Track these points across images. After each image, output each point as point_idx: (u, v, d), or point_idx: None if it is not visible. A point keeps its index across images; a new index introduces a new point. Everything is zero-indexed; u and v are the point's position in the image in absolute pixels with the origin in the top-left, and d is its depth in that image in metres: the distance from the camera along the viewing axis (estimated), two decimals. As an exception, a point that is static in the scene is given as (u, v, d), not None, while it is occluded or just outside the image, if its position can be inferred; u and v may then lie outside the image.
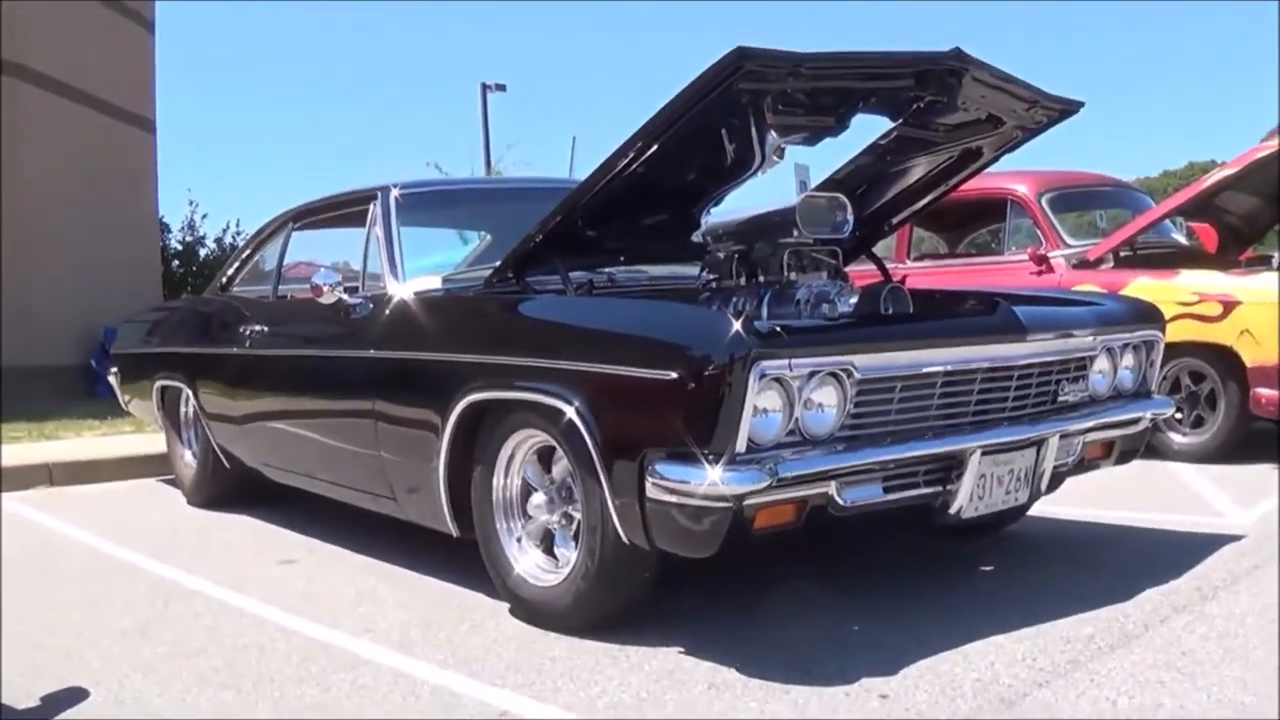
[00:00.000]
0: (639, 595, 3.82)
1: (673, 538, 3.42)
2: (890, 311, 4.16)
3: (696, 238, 4.57)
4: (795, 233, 4.15)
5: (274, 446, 5.63)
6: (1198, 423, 6.53)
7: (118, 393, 7.58)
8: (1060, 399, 4.10)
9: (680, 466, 3.28)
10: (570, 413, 3.60)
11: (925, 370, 3.63)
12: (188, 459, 6.65)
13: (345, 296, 4.82)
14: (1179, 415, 6.50)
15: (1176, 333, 6.31)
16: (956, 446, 3.69)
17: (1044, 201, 7.50)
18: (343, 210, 5.55)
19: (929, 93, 4.07)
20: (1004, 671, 3.29)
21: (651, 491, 3.35)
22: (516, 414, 3.93)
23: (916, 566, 4.45)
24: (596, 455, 3.52)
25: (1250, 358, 6.13)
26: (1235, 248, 7.64)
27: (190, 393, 6.29)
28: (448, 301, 4.50)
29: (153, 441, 7.65)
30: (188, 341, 6.38)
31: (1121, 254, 7.06)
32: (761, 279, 4.36)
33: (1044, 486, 4.05)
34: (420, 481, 4.38)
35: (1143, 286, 6.58)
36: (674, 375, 3.29)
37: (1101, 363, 4.27)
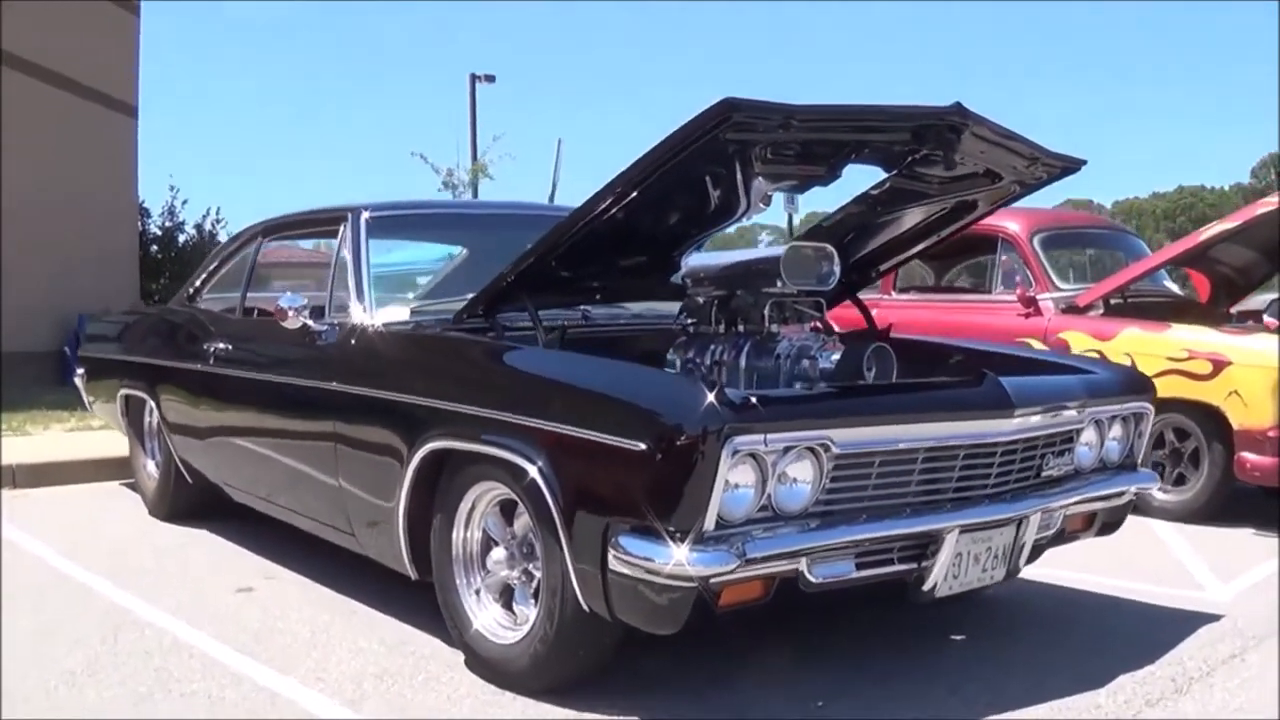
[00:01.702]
0: (599, 662, 3.69)
1: (634, 612, 3.30)
2: (873, 371, 4.04)
3: (676, 279, 4.47)
4: (779, 282, 4.03)
5: (235, 467, 5.51)
6: (1179, 480, 6.42)
7: (83, 394, 7.44)
8: (1044, 473, 3.99)
9: (645, 542, 3.16)
10: (533, 472, 3.48)
11: (906, 446, 3.51)
12: (150, 469, 6.52)
13: (310, 322, 4.69)
14: (1161, 466, 6.41)
15: (1164, 388, 6.18)
16: (934, 526, 3.57)
17: (1035, 242, 7.39)
18: (313, 228, 5.43)
19: (926, 147, 3.95)
20: (970, 767, 3.18)
21: (614, 564, 3.23)
22: (479, 465, 3.81)
23: (886, 632, 4.31)
24: (559, 518, 3.40)
25: (1238, 420, 6.02)
26: (1228, 299, 7.54)
27: (154, 404, 6.15)
28: (414, 340, 4.36)
29: (118, 441, 7.47)
30: (153, 352, 6.23)
31: (1112, 301, 6.95)
32: (741, 328, 4.25)
33: (1022, 563, 3.94)
34: (379, 517, 4.26)
35: (1132, 338, 6.50)
36: (643, 447, 3.17)
37: (1089, 434, 4.16)
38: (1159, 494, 6.40)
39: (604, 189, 3.80)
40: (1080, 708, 3.59)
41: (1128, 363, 6.36)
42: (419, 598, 4.29)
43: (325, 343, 4.65)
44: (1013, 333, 7.10)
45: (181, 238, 17.41)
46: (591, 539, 3.30)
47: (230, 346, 5.41)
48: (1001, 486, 3.80)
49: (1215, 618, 4.50)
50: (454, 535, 3.93)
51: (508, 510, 3.83)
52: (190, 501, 6.17)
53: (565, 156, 22.52)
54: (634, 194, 3.77)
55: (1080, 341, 6.71)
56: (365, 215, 4.90)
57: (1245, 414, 5.98)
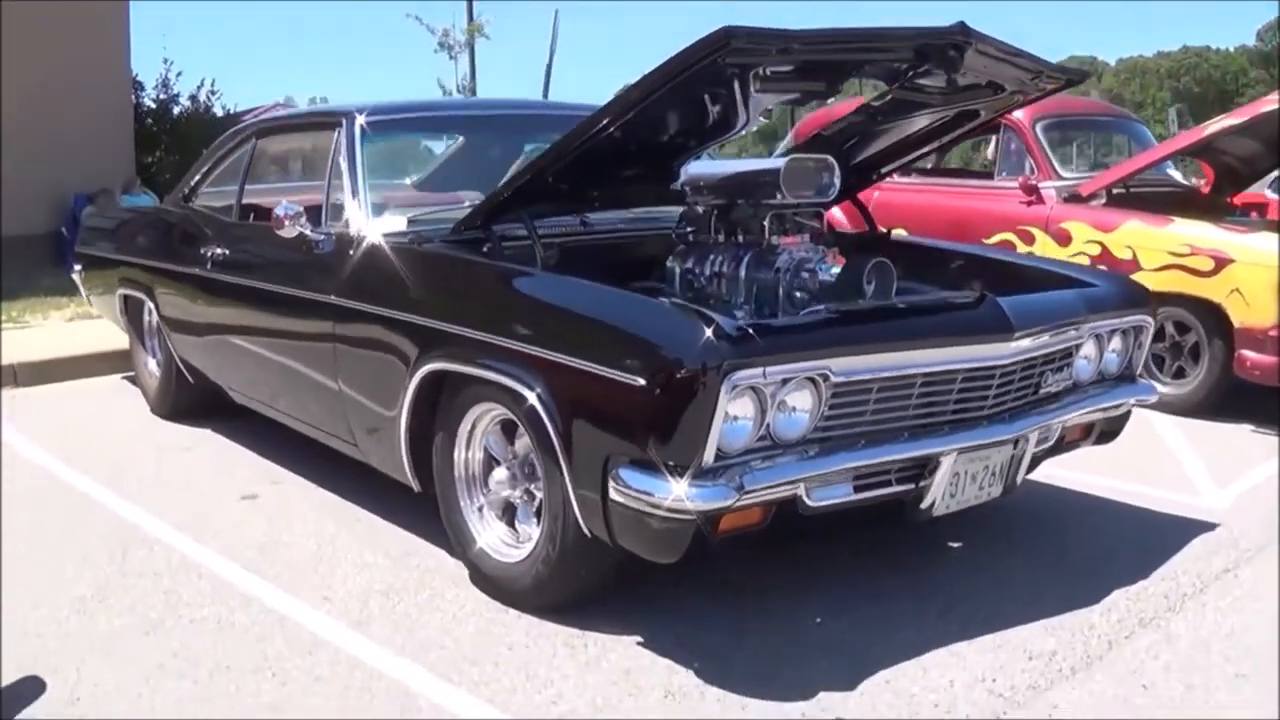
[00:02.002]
0: (601, 583, 3.75)
1: (635, 540, 3.34)
2: (872, 285, 4.00)
3: (676, 187, 4.42)
4: (779, 194, 3.99)
5: (236, 372, 5.54)
6: (1179, 373, 6.43)
7: (81, 290, 7.43)
8: (1042, 390, 3.99)
9: (644, 476, 3.18)
10: (531, 398, 3.50)
11: (904, 373, 3.51)
12: (151, 368, 6.53)
13: (308, 231, 4.64)
14: (1161, 359, 6.43)
15: (1165, 283, 6.23)
16: (932, 450, 3.59)
17: (1039, 129, 7.28)
18: (308, 131, 5.35)
19: (929, 65, 3.89)
20: (962, 695, 3.24)
21: (614, 495, 3.26)
22: (478, 387, 3.81)
23: (885, 544, 4.31)
24: (558, 444, 3.43)
25: (1239, 318, 6.00)
26: (1231, 188, 7.45)
27: (152, 305, 6.15)
28: (413, 257, 4.30)
29: (119, 332, 7.43)
30: (150, 254, 6.19)
31: (1114, 191, 6.89)
32: (741, 238, 4.21)
33: (1019, 479, 3.97)
34: (380, 425, 4.29)
35: (1134, 231, 6.45)
36: (641, 381, 3.17)
37: (1088, 348, 4.16)
38: (1159, 386, 6.40)
39: (599, 112, 3.78)
40: (1073, 627, 3.65)
41: (1129, 256, 6.37)
42: (421, 503, 4.31)
43: (322, 252, 4.61)
44: (1014, 220, 7.07)
45: (176, 110, 17.12)
46: (592, 467, 3.33)
47: (227, 251, 5.38)
48: (999, 406, 3.80)
49: (1211, 527, 4.54)
50: (455, 455, 3.96)
51: (509, 429, 3.84)
52: (192, 400, 6.19)
53: (563, 27, 22.08)
54: (630, 115, 3.73)
55: (1082, 232, 6.67)
56: (360, 120, 4.82)
57: (1246, 312, 5.96)
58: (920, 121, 4.50)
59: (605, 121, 3.77)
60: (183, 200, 6.19)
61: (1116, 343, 4.28)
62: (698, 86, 3.72)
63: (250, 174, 5.76)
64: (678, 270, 4.32)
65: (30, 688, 3.35)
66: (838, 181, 4.09)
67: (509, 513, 3.92)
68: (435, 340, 3.91)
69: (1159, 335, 6.41)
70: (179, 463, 5.61)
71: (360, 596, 3.97)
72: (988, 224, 7.08)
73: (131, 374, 7.04)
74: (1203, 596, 3.89)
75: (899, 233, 4.98)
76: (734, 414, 3.17)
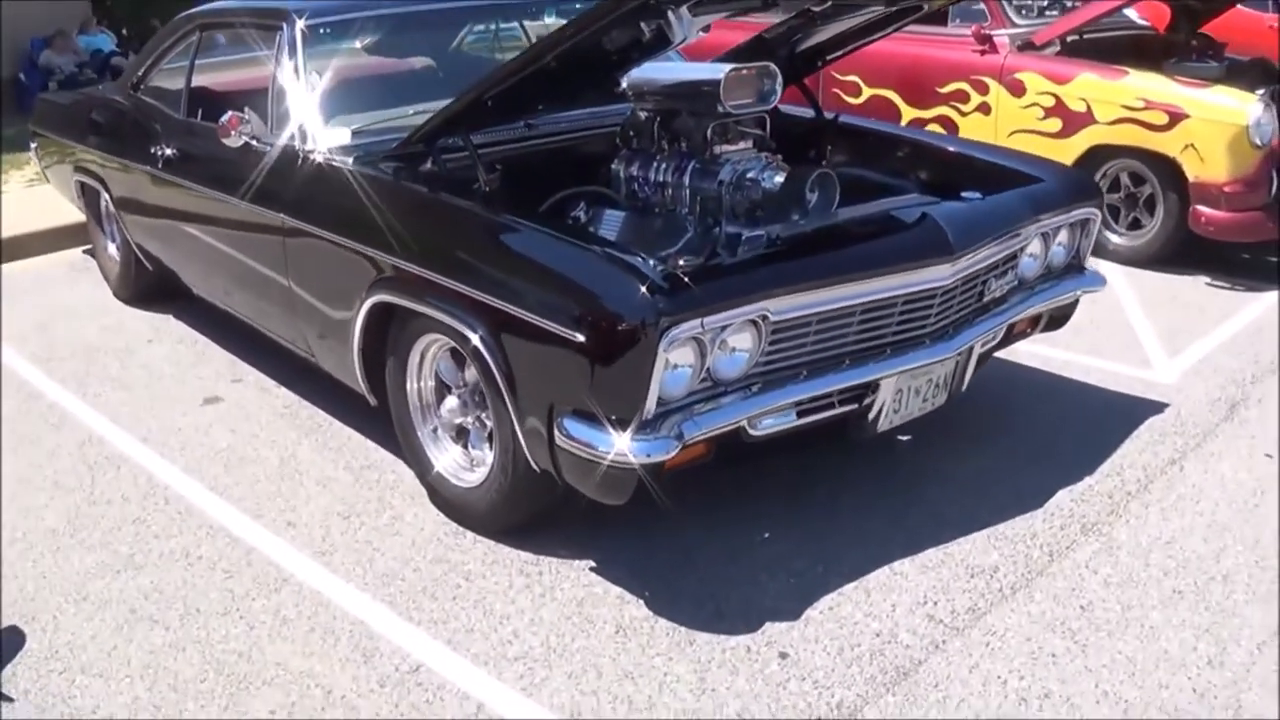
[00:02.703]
0: (553, 506, 3.83)
1: (581, 482, 3.41)
2: (816, 194, 3.96)
3: (619, 90, 4.36)
4: (720, 106, 3.94)
5: (192, 269, 5.55)
6: (1134, 224, 6.44)
7: (38, 165, 7.34)
8: (987, 297, 4.02)
9: (587, 428, 3.25)
10: (475, 340, 3.54)
11: (844, 305, 3.53)
12: (111, 251, 6.49)
13: (254, 141, 4.57)
14: (1117, 210, 6.44)
15: (1120, 136, 6.22)
16: (875, 375, 3.64)
17: (992, -27, 7.06)
18: (250, 28, 5.20)
19: None
20: (903, 622, 3.38)
21: (560, 441, 3.33)
22: (425, 320, 3.83)
23: (834, 449, 4.23)
24: (503, 385, 3.49)
25: (1193, 173, 5.97)
26: (1188, 25, 7.28)
27: (108, 196, 6.09)
28: (358, 181, 4.22)
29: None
30: (102, 146, 6.07)
31: (1069, 39, 6.75)
32: (683, 146, 4.18)
33: (965, 384, 4.03)
34: (330, 332, 4.35)
35: (1088, 83, 6.35)
36: (580, 339, 3.20)
37: (1034, 246, 4.17)
38: (1114, 237, 6.45)
39: (532, 48, 3.73)
40: (1017, 535, 3.78)
41: (1083, 108, 6.32)
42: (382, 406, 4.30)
43: (269, 164, 4.56)
44: (968, 69, 6.90)
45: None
46: (537, 411, 3.40)
47: (176, 152, 5.30)
48: (942, 322, 3.83)
49: (1160, 408, 4.63)
50: (408, 385, 4.01)
51: (459, 357, 3.87)
52: (151, 285, 6.19)
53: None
54: (563, 48, 3.67)
55: (1035, 83, 6.54)
56: (300, 25, 4.68)
57: (1201, 167, 5.93)
58: (863, 17, 4.41)
59: (539, 53, 3.71)
60: (132, 89, 6.04)
61: (1063, 236, 4.28)
62: (631, 19, 3.63)
63: (196, 66, 5.62)
64: (622, 175, 4.30)
65: (11, 640, 3.47)
66: (779, 88, 4.03)
67: (463, 435, 3.99)
68: (381, 270, 3.92)
69: (1114, 186, 6.41)
70: (142, 358, 5.63)
71: (322, 520, 4.07)
72: (941, 73, 6.95)
73: (92, 247, 6.98)
74: (1146, 495, 4.00)
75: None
76: (674, 362, 3.21)
